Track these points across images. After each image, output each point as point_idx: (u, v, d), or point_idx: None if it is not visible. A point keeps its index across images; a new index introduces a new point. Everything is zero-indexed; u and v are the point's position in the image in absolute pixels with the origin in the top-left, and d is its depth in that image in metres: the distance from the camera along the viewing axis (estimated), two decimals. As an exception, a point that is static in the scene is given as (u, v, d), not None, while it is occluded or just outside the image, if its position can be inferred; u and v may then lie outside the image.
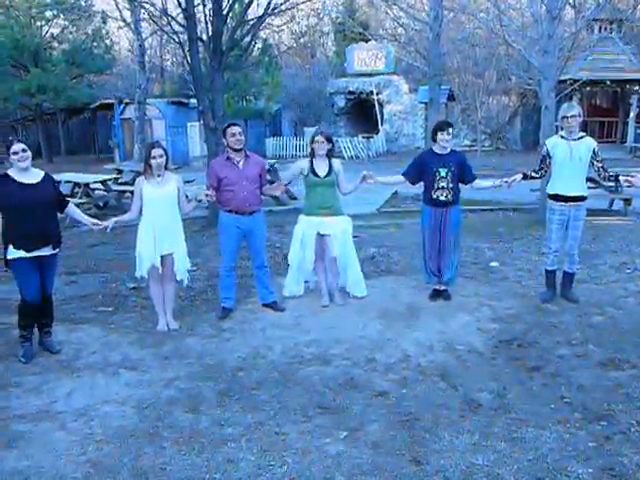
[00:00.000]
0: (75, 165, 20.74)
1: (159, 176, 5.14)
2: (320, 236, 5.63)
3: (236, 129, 5.34)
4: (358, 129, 27.24)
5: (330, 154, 5.61)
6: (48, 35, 26.60)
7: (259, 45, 23.96)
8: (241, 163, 5.43)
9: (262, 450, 3.44)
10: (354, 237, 6.02)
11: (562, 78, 13.73)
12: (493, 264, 7.21)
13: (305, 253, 5.70)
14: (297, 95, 28.42)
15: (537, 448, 3.39)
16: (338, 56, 31.34)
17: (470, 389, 4.10)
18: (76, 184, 12.33)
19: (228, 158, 5.44)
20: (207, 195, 5.35)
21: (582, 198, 5.55)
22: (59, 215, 4.88)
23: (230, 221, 5.46)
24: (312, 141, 5.57)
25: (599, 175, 5.85)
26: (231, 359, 4.70)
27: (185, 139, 24.02)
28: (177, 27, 10.54)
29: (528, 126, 25.37)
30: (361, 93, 27.00)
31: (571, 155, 5.43)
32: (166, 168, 5.19)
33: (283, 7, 10.84)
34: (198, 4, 9.98)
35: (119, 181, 13.37)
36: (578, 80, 15.44)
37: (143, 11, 14.65)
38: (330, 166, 5.58)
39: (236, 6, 10.75)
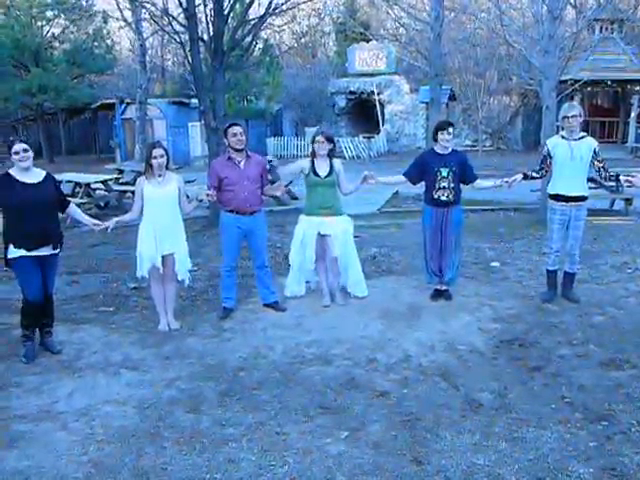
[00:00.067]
0: (76, 165, 20.74)
1: (160, 176, 5.14)
2: (321, 236, 5.63)
3: (237, 129, 5.34)
4: (359, 129, 27.23)
5: (331, 154, 5.61)
6: (49, 35, 26.59)
7: (260, 45, 23.94)
8: (242, 163, 5.43)
9: (263, 450, 3.45)
10: (355, 237, 6.02)
11: (563, 78, 13.72)
12: (494, 264, 7.21)
13: (306, 253, 5.70)
14: (298, 95, 28.40)
15: (538, 448, 3.39)
16: (339, 56, 31.34)
17: (471, 389, 4.10)
18: (77, 184, 12.33)
19: (229, 158, 5.45)
20: (208, 195, 5.35)
21: (583, 198, 5.55)
22: (60, 215, 4.88)
23: (231, 221, 5.46)
24: (313, 141, 5.58)
25: (600, 175, 5.85)
26: (232, 359, 4.70)
27: (186, 139, 24.01)
28: (178, 27, 10.54)
29: (529, 126, 25.35)
30: (362, 93, 26.98)
31: (572, 155, 5.42)
32: (167, 168, 5.20)
33: (284, 7, 10.86)
34: (199, 4, 10.00)
35: (120, 181, 13.38)
36: (579, 80, 15.43)
37: (144, 11, 14.68)
38: (331, 166, 5.58)
39: (237, 6, 10.77)
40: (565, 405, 3.86)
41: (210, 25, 9.98)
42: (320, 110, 28.00)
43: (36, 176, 4.62)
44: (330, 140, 5.57)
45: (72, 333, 5.25)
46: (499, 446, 3.42)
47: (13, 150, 4.48)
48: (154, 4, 11.42)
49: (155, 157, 5.05)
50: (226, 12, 9.75)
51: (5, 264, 4.69)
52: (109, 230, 5.14)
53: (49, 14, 25.84)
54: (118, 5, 19.82)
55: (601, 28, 22.56)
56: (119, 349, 4.92)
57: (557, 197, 5.57)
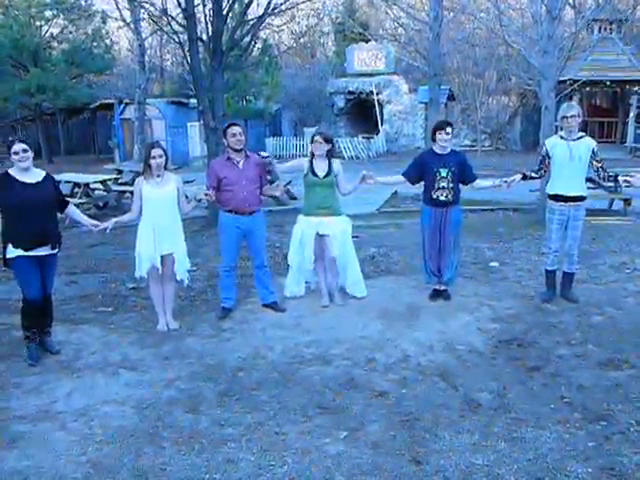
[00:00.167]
0: (75, 165, 20.72)
1: (159, 176, 5.14)
2: (319, 236, 5.63)
3: (236, 129, 5.35)
4: (358, 129, 27.23)
5: (330, 154, 5.61)
6: (48, 35, 26.57)
7: (259, 45, 23.92)
8: (241, 163, 5.43)
9: (262, 450, 3.45)
10: (354, 237, 6.02)
11: (562, 78, 13.72)
12: (493, 264, 7.21)
13: (304, 253, 5.70)
14: (297, 95, 28.40)
15: (537, 448, 3.39)
16: (338, 56, 31.31)
17: (470, 389, 4.11)
18: (76, 184, 12.33)
19: (228, 158, 5.45)
20: (206, 195, 5.36)
21: (582, 198, 5.55)
22: (59, 215, 4.88)
23: (230, 221, 5.47)
24: (312, 141, 5.58)
25: (598, 175, 5.86)
26: (231, 359, 4.70)
27: (185, 139, 23.99)
28: (177, 27, 10.54)
29: (528, 126, 25.36)
30: (361, 93, 26.99)
31: (570, 155, 5.43)
32: (166, 168, 5.20)
33: (283, 7, 10.87)
34: (198, 4, 9.99)
35: (119, 181, 13.36)
36: (578, 80, 15.47)
37: (143, 11, 14.66)
38: (330, 166, 5.58)
39: (236, 6, 10.75)
40: (564, 405, 3.86)
41: (209, 25, 9.99)
42: (319, 110, 28.00)
43: (35, 176, 4.62)
44: (328, 141, 5.57)
45: (71, 333, 5.25)
46: (498, 446, 3.42)
47: (13, 150, 4.48)
48: (153, 4, 11.39)
49: (154, 157, 5.05)
50: (225, 12, 9.75)
51: (4, 264, 4.69)
52: (108, 230, 5.13)
53: (48, 14, 25.82)
54: (117, 5, 19.88)
55: (600, 28, 22.59)
56: (118, 349, 4.92)
57: (556, 197, 5.57)
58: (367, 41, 25.07)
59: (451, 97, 25.28)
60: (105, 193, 12.67)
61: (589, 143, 5.49)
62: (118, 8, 20.22)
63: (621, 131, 23.59)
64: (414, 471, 3.22)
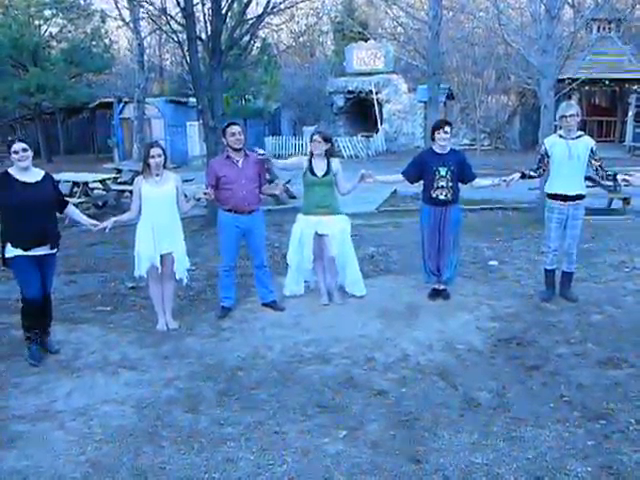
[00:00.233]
0: (74, 164, 20.69)
1: (158, 175, 5.13)
2: (318, 235, 5.63)
3: (236, 128, 5.35)
4: (357, 128, 27.24)
5: (329, 154, 5.60)
6: (47, 34, 26.56)
7: (258, 44, 23.93)
8: (240, 162, 5.43)
9: (261, 449, 3.45)
10: (353, 236, 6.02)
11: (561, 77, 13.71)
12: (492, 263, 7.21)
13: (303, 252, 5.70)
14: (296, 94, 28.38)
15: (536, 447, 3.39)
16: (337, 55, 31.30)
17: (469, 388, 4.11)
18: (75, 183, 12.31)
19: (228, 157, 5.45)
20: (205, 194, 5.36)
21: (581, 197, 5.56)
22: (58, 215, 4.88)
23: (229, 220, 5.46)
24: (311, 140, 5.58)
25: (597, 174, 5.86)
26: (230, 358, 4.70)
27: (184, 138, 23.98)
28: (176, 26, 10.53)
29: (527, 125, 25.35)
30: (360, 92, 26.98)
31: (569, 154, 5.43)
32: (165, 167, 5.20)
33: (282, 6, 10.87)
34: (197, 3, 9.99)
35: (118, 180, 13.35)
36: (577, 79, 15.41)
37: (142, 10, 14.67)
38: (328, 165, 5.57)
39: (235, 5, 10.74)
40: (563, 404, 3.86)
41: (208, 24, 9.98)
42: (318, 109, 28.00)
43: (35, 176, 4.62)
44: (327, 140, 5.57)
45: (70, 333, 5.25)
46: (497, 445, 3.42)
47: (12, 149, 4.47)
48: (152, 3, 11.37)
49: (153, 156, 5.04)
50: (224, 11, 9.74)
51: (3, 263, 4.68)
52: (107, 230, 5.12)
53: (47, 13, 25.81)
54: (116, 4, 19.88)
55: (599, 27, 22.61)
56: (117, 349, 4.92)
57: (555, 196, 5.57)
58: (366, 40, 25.07)
59: (450, 96, 25.28)
60: (104, 192, 12.65)
61: (588, 142, 5.50)
62: (117, 7, 20.25)
63: (620, 130, 23.61)
64: (413, 470, 3.22)
